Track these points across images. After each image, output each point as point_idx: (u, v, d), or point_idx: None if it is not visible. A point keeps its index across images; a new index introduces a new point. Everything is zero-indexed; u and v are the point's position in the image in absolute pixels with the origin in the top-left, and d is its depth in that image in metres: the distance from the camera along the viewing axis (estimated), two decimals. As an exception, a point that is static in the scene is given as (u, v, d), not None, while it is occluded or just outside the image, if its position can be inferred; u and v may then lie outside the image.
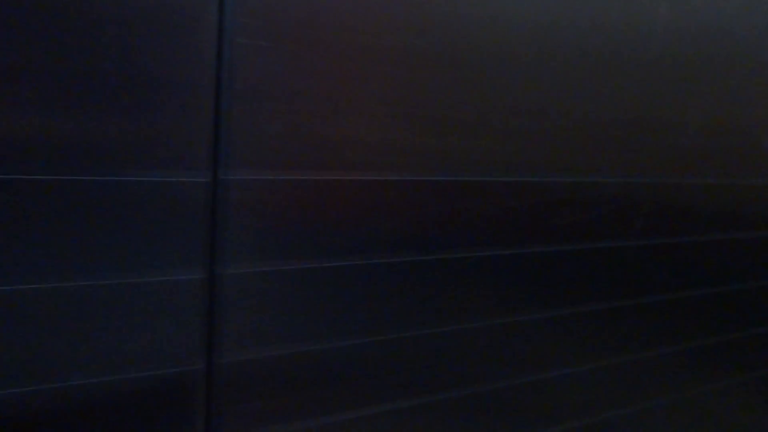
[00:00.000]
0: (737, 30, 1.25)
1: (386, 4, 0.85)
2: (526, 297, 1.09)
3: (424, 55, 0.89)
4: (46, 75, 0.67)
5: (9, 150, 0.67)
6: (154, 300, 0.78)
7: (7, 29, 0.65)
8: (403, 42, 0.87)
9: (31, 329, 0.72)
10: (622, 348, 1.27)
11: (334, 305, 0.90)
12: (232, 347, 0.84)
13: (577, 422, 1.23)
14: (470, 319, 1.03)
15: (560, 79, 1.03)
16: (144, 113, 0.73)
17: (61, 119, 0.69)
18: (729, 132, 1.30)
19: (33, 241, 0.70)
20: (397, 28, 0.86)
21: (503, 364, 1.10)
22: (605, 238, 1.16)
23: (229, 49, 0.76)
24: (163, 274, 0.78)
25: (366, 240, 0.90)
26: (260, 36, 0.77)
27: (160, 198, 0.76)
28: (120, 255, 0.75)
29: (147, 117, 0.73)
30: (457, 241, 0.99)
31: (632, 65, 1.11)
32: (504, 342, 1.08)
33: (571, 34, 1.02)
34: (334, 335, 0.91)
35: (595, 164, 1.11)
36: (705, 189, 1.30)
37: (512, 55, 0.97)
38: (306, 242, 0.86)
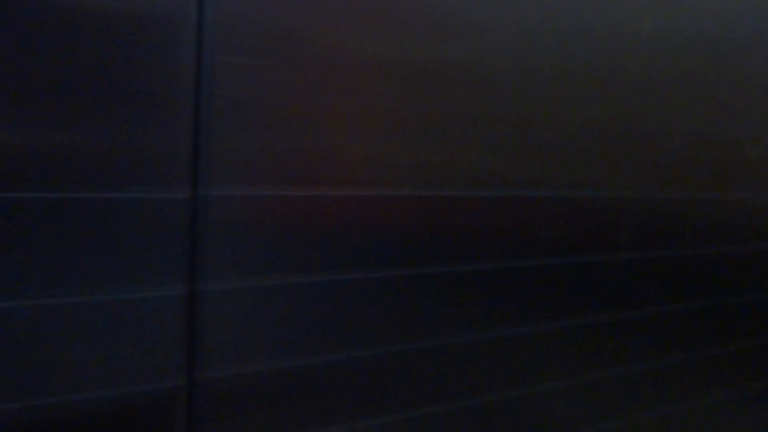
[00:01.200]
0: (721, 43, 1.26)
1: (367, 18, 0.86)
2: (511, 311, 1.09)
3: (406, 69, 0.90)
4: (21, 90, 0.67)
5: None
6: (134, 317, 0.78)
7: (-16, 47, 0.65)
8: (385, 56, 0.88)
9: (8, 346, 0.71)
10: (610, 362, 1.26)
11: (315, 320, 0.90)
12: (214, 363, 0.83)
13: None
14: (455, 333, 1.03)
15: (541, 93, 1.03)
16: (121, 129, 0.73)
17: (37, 135, 0.69)
18: (714, 146, 1.31)
19: (9, 259, 0.70)
20: (378, 42, 0.87)
21: (489, 378, 1.09)
22: (590, 253, 1.16)
23: (208, 65, 0.76)
24: (143, 290, 0.78)
25: (348, 255, 0.90)
26: (240, 52, 0.78)
27: (139, 215, 0.76)
28: (99, 272, 0.75)
29: (125, 133, 0.73)
30: (439, 256, 0.99)
31: (615, 78, 1.11)
32: (488, 356, 1.08)
33: (554, 48, 1.03)
34: (317, 350, 0.91)
35: (579, 178, 1.11)
36: (690, 203, 1.30)
37: (493, 68, 0.98)
38: (287, 258, 0.86)
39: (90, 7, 0.69)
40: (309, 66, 0.83)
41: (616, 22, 1.09)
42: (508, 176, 1.03)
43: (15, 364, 0.72)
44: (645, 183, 1.21)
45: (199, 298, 0.81)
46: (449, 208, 0.98)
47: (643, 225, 1.23)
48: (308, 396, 0.91)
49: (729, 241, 1.39)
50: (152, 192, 0.76)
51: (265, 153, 0.82)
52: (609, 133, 1.13)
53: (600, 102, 1.11)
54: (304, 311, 0.89)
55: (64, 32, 0.68)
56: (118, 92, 0.72)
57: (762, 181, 1.41)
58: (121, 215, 0.75)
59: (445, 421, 1.06)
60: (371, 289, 0.93)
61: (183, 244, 0.79)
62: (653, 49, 1.15)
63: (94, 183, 0.72)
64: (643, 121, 1.18)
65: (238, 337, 0.84)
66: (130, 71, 0.72)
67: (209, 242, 0.80)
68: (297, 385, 0.90)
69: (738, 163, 1.37)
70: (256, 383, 0.87)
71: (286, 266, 0.86)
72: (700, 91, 1.25)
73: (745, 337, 1.51)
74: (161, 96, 0.74)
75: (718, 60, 1.26)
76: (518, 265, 1.08)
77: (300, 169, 0.84)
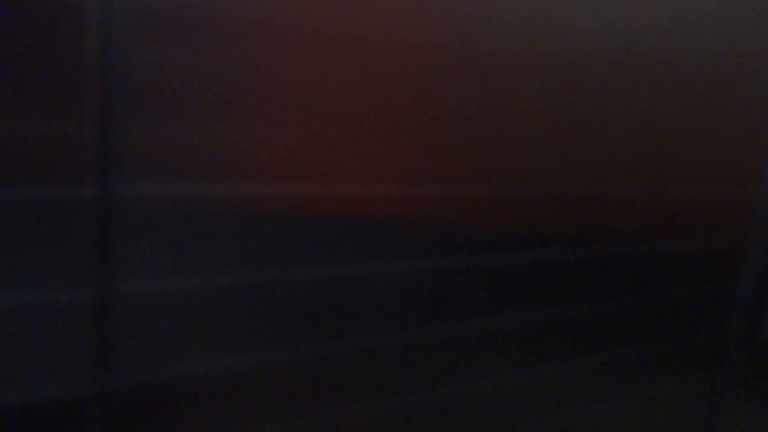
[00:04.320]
0: (672, 35, 1.26)
1: (287, 2, 0.83)
2: (452, 309, 1.08)
3: (328, 57, 0.87)
4: None
5: None
6: (42, 320, 0.74)
7: None
8: (307, 41, 0.85)
9: None
10: (549, 359, 1.27)
11: (232, 321, 0.87)
12: (126, 367, 0.80)
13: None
14: (386, 331, 1.02)
15: (482, 85, 1.02)
16: (24, 123, 0.69)
17: None
18: (658, 141, 1.32)
19: None
20: (301, 26, 0.84)
21: (424, 377, 1.08)
22: (530, 250, 1.16)
23: (116, 53, 0.73)
24: (50, 293, 0.74)
25: (267, 253, 0.88)
26: (151, 40, 0.74)
27: (45, 214, 0.72)
28: (3, 273, 0.71)
29: (27, 127, 0.69)
30: (370, 253, 0.97)
31: (554, 70, 1.11)
32: (424, 355, 1.07)
33: (497, 38, 1.02)
34: (234, 352, 0.88)
35: (520, 174, 1.11)
36: (630, 200, 1.32)
37: (433, 56, 0.96)
38: (202, 257, 0.83)
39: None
40: (226, 55, 0.80)
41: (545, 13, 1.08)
42: (444, 172, 1.01)
43: None
44: (584, 180, 1.21)
45: (110, 300, 0.78)
46: (375, 204, 0.96)
47: (583, 222, 1.23)
48: (226, 399, 0.89)
49: (674, 238, 1.41)
50: (58, 189, 0.72)
51: (179, 147, 0.79)
52: (550, 125, 1.13)
53: (542, 92, 1.10)
54: (221, 312, 0.86)
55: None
56: (18, 82, 0.68)
57: (704, 177, 1.43)
58: (26, 214, 0.71)
59: (376, 421, 1.05)
60: (291, 289, 0.91)
61: (92, 244, 0.75)
62: (596, 41, 1.15)
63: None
64: (583, 116, 1.18)
65: (152, 339, 0.81)
66: (31, 60, 0.68)
67: (119, 242, 0.77)
68: (214, 388, 0.88)
69: (679, 159, 1.38)
70: (171, 387, 0.84)
71: (201, 266, 0.83)
72: (644, 85, 1.25)
73: (687, 332, 1.53)
74: (65, 87, 0.70)
75: (667, 53, 1.27)
76: (458, 263, 1.07)
77: (216, 164, 0.82)
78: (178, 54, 0.76)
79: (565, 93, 1.14)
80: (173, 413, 0.85)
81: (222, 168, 0.82)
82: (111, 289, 0.77)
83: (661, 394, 1.53)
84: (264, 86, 0.83)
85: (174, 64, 0.76)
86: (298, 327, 0.93)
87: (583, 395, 1.35)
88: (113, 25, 0.72)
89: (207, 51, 0.78)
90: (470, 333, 1.12)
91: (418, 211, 1.00)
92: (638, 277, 1.38)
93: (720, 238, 1.52)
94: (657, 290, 1.43)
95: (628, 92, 1.23)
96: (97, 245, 0.76)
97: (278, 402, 0.94)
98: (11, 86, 0.68)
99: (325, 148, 0.89)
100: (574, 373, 1.32)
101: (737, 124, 1.46)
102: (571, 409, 1.34)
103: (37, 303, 0.74)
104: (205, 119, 0.80)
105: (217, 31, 0.78)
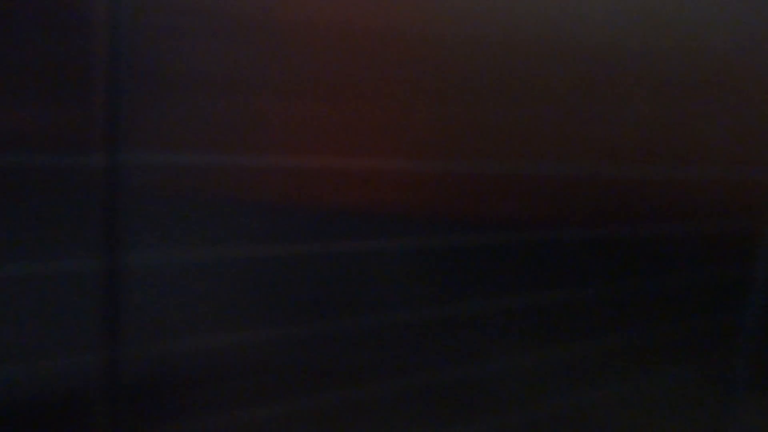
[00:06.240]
0: (677, 21, 1.24)
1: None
2: (449, 291, 1.08)
3: (334, 33, 0.87)
4: None
5: None
6: (50, 291, 0.75)
7: None
8: (313, 19, 0.84)
9: None
10: (560, 341, 1.26)
11: (243, 296, 0.87)
12: (135, 339, 0.81)
13: (506, 417, 1.22)
14: (389, 311, 1.01)
15: (491, 67, 1.01)
16: (32, 93, 0.69)
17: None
18: (676, 123, 1.30)
19: None
20: (307, 3, 0.84)
21: (425, 359, 1.08)
22: (544, 229, 1.15)
23: (125, 22, 0.72)
24: (58, 264, 0.74)
25: (277, 227, 0.88)
26: (161, 9, 0.74)
27: (54, 183, 0.72)
28: (11, 244, 0.72)
29: (36, 97, 0.69)
30: (367, 230, 0.96)
31: (567, 56, 1.09)
32: (425, 337, 1.07)
33: (502, 23, 1.00)
34: (245, 327, 0.88)
35: (526, 154, 1.10)
36: (648, 181, 1.30)
37: (428, 36, 0.95)
38: (213, 230, 0.83)
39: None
40: (235, 27, 0.79)
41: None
42: (447, 149, 1.00)
43: None
44: (594, 160, 1.20)
45: (119, 270, 0.78)
46: (380, 180, 0.95)
47: (594, 203, 1.22)
48: (238, 374, 0.89)
49: (684, 220, 1.39)
50: (66, 159, 0.73)
51: (190, 118, 0.78)
52: (560, 107, 1.12)
53: (551, 76, 1.09)
54: (232, 286, 0.86)
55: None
56: (27, 54, 0.68)
57: (714, 160, 1.41)
58: (33, 183, 0.71)
59: (381, 402, 1.05)
60: (304, 264, 0.91)
61: (101, 215, 0.76)
62: (606, 26, 1.13)
63: (2, 149, 0.69)
64: (592, 100, 1.16)
65: (161, 311, 0.82)
66: (39, 31, 0.68)
67: (128, 213, 0.77)
68: (225, 363, 0.88)
69: (689, 142, 1.36)
70: (179, 359, 0.84)
71: (211, 238, 0.83)
72: (652, 71, 1.23)
73: (702, 316, 1.52)
74: (74, 57, 0.70)
75: (671, 39, 1.24)
76: (459, 243, 1.06)
77: (227, 135, 0.81)
78: (187, 26, 0.76)
79: (583, 72, 1.12)
80: (182, 386, 0.85)
81: (231, 140, 0.82)
82: (120, 260, 0.78)
83: (676, 379, 1.52)
84: (270, 60, 0.82)
85: (186, 34, 0.76)
86: (314, 302, 0.93)
87: (596, 379, 1.34)
88: (122, 2, 0.72)
89: (216, 23, 0.78)
90: (475, 314, 1.12)
91: (446, 187, 0.99)
92: (653, 259, 1.36)
93: (737, 221, 1.49)
94: (672, 273, 1.41)
95: (646, 72, 1.21)
96: (106, 216, 0.76)
97: (296, 377, 0.94)
98: (22, 60, 0.68)
99: (331, 122, 0.89)
100: (587, 356, 1.31)
101: (757, 106, 1.43)
102: (583, 392, 1.33)
103: (45, 273, 0.74)
104: (213, 92, 0.79)
105: (225, 6, 0.78)
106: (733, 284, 1.55)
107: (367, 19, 0.88)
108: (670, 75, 1.26)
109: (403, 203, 0.98)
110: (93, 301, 0.78)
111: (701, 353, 1.55)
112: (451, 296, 1.07)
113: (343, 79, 0.88)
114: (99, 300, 0.78)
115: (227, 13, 0.78)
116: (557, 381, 1.28)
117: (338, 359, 0.98)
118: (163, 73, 0.76)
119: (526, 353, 1.21)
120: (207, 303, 0.85)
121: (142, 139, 0.76)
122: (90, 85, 0.72)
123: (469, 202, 1.05)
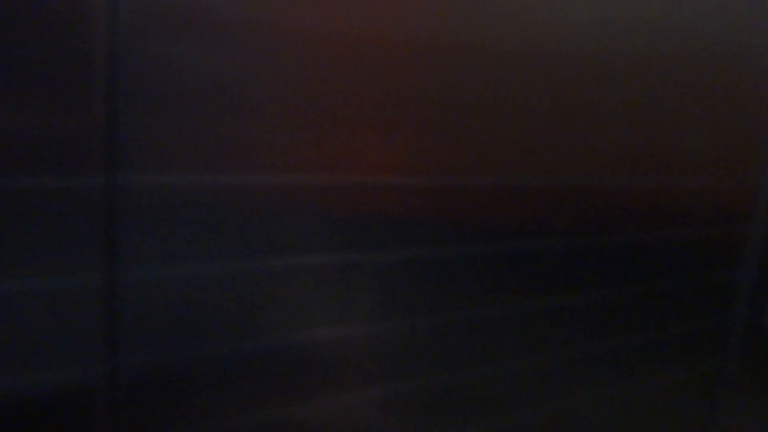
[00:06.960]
0: (663, 27, 1.27)
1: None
2: (444, 298, 1.10)
3: (330, 52, 0.89)
4: None
5: None
6: (52, 306, 0.77)
7: None
8: (306, 36, 0.87)
9: None
10: (551, 346, 1.29)
11: (238, 308, 0.90)
12: (134, 351, 0.83)
13: (496, 421, 1.25)
14: (386, 318, 1.04)
15: (475, 75, 1.04)
16: (33, 114, 0.72)
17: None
18: (659, 132, 1.32)
19: None
20: (302, 22, 0.86)
21: (423, 364, 1.11)
22: (527, 240, 1.18)
23: (123, 45, 0.75)
24: (60, 280, 0.77)
25: (271, 242, 0.90)
26: (157, 33, 0.77)
27: (57, 203, 0.75)
28: (14, 261, 0.74)
29: (36, 118, 0.72)
30: (371, 243, 0.99)
31: (552, 63, 1.12)
32: (424, 342, 1.09)
33: (489, 31, 1.03)
34: (239, 338, 0.91)
35: (515, 165, 1.12)
36: (634, 189, 1.32)
37: (418, 48, 0.98)
38: (207, 246, 0.86)
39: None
40: (231, 48, 0.82)
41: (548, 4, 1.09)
42: (440, 163, 1.03)
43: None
44: (581, 170, 1.22)
45: (117, 286, 0.81)
46: (369, 195, 0.98)
47: (579, 212, 1.25)
48: (231, 383, 0.92)
49: (670, 227, 1.42)
50: (66, 180, 0.75)
51: (185, 139, 0.81)
52: (546, 118, 1.14)
53: (536, 86, 1.11)
54: (226, 300, 0.89)
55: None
56: (27, 75, 0.70)
57: (697, 168, 1.44)
58: (35, 204, 0.74)
59: (373, 408, 1.07)
60: (296, 277, 0.94)
61: (100, 233, 0.78)
62: (589, 33, 1.16)
63: (4, 170, 0.71)
64: (577, 108, 1.18)
65: (158, 325, 0.84)
66: (39, 52, 0.71)
67: (127, 231, 0.80)
68: (220, 372, 0.91)
69: (681, 148, 1.39)
70: (176, 372, 0.87)
71: (206, 255, 0.86)
72: (638, 78, 1.26)
73: (690, 320, 1.54)
74: (74, 78, 0.73)
75: (658, 45, 1.27)
76: (453, 252, 1.09)
77: (220, 155, 0.84)
78: (185, 47, 0.79)
79: (570, 84, 1.15)
80: (180, 398, 0.88)
81: (226, 159, 0.84)
82: (118, 276, 0.80)
83: (664, 382, 1.55)
84: (267, 80, 0.85)
85: (181, 58, 0.79)
86: (307, 313, 0.95)
87: (586, 383, 1.37)
88: (120, 18, 0.74)
89: (213, 44, 0.80)
90: (468, 322, 1.14)
91: (439, 200, 1.02)
92: (641, 265, 1.39)
93: (722, 226, 1.53)
94: (659, 279, 1.44)
95: (630, 83, 1.24)
96: (105, 234, 0.79)
97: (289, 385, 0.97)
98: (21, 80, 0.70)
99: (328, 139, 0.91)
100: (577, 360, 1.34)
101: (739, 114, 1.46)
102: (574, 396, 1.36)
103: (46, 289, 0.77)
104: (210, 112, 0.82)
105: (222, 25, 0.80)
106: (719, 288, 1.58)
107: (372, 31, 0.91)
108: (654, 85, 1.29)
109: (395, 214, 1.00)
110: (93, 314, 0.80)
111: (690, 356, 1.58)
112: (441, 304, 1.10)
113: (343, 95, 0.91)
114: (99, 313, 0.80)
115: (230, 35, 0.81)
116: (546, 385, 1.31)
117: (335, 366, 1.00)
118: (160, 95, 0.78)
119: (517, 358, 1.24)
120: (202, 316, 0.88)
121: (140, 160, 0.79)
122: (89, 108, 0.75)
123: (460, 213, 1.07)
